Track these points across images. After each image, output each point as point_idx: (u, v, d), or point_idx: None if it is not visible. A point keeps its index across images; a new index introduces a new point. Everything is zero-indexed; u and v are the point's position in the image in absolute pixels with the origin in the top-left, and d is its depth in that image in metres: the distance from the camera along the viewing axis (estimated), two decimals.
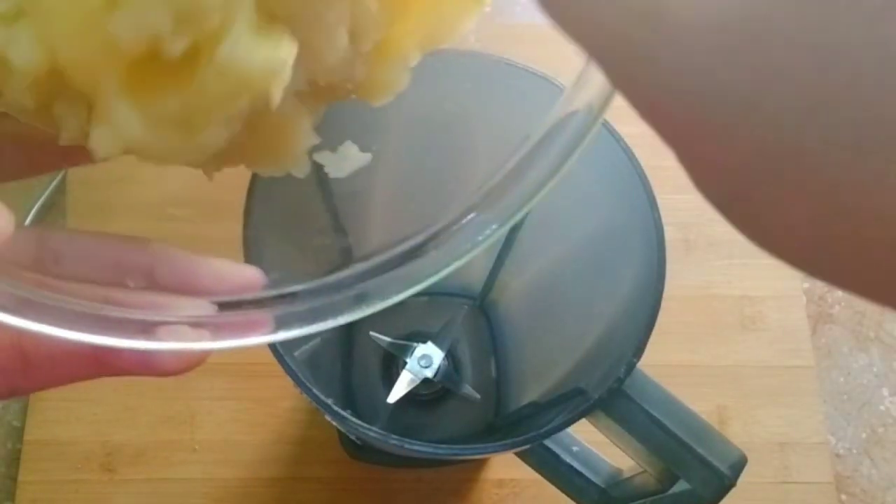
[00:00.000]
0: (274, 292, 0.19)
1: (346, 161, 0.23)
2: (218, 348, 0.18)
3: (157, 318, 0.18)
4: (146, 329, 0.17)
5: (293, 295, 0.19)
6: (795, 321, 0.51)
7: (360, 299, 0.19)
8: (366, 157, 0.23)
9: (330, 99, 0.20)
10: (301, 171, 0.20)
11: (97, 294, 0.18)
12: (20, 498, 0.45)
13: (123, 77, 0.16)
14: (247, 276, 0.21)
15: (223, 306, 0.19)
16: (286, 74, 0.16)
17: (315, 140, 0.20)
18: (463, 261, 0.19)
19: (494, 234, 0.19)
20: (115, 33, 0.15)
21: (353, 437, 0.43)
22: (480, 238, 0.19)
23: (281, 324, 0.18)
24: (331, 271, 0.19)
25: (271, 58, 0.16)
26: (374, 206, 0.41)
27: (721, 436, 0.31)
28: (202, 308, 0.19)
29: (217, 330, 0.18)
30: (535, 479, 0.35)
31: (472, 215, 0.19)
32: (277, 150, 0.20)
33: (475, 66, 0.35)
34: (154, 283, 0.20)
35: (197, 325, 0.18)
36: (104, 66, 0.16)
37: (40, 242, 0.19)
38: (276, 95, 0.16)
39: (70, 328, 0.16)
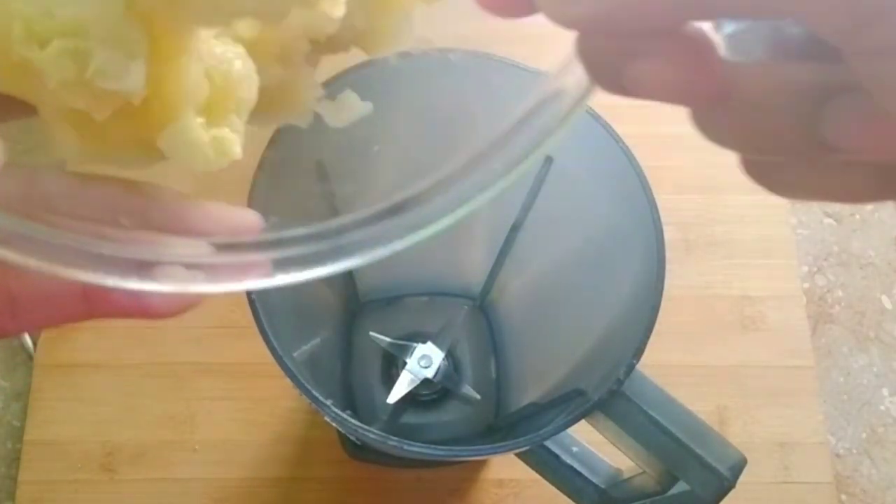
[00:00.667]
0: (272, 236, 0.19)
1: (344, 110, 0.23)
2: (214, 291, 0.17)
3: (151, 257, 0.17)
4: (140, 267, 0.17)
5: (292, 239, 0.19)
6: (795, 321, 0.51)
7: (358, 246, 0.19)
8: (367, 106, 0.23)
9: (330, 51, 0.20)
10: (305, 121, 0.20)
11: (89, 229, 0.17)
12: (20, 498, 0.45)
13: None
14: (244, 219, 0.20)
15: (220, 248, 0.18)
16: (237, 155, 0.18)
17: (320, 92, 0.20)
18: (457, 216, 0.18)
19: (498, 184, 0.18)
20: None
21: (352, 438, 0.43)
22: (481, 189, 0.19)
23: (279, 267, 0.18)
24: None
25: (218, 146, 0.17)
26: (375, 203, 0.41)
27: (720, 437, 0.31)
28: (198, 248, 0.18)
29: (213, 272, 0.18)
30: (535, 479, 0.35)
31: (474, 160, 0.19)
32: (282, 104, 0.20)
33: (476, 64, 0.35)
34: (148, 223, 0.19)
35: (192, 266, 0.17)
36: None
37: (29, 180, 0.18)
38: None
39: (61, 264, 0.16)
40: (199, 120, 0.18)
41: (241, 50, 0.19)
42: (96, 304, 0.18)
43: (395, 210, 0.18)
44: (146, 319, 0.18)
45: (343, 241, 0.18)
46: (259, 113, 0.20)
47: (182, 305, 0.18)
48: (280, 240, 0.19)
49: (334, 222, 0.18)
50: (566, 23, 0.15)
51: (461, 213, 0.18)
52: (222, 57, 0.18)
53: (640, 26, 0.14)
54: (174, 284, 0.17)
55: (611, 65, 0.15)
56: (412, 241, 0.18)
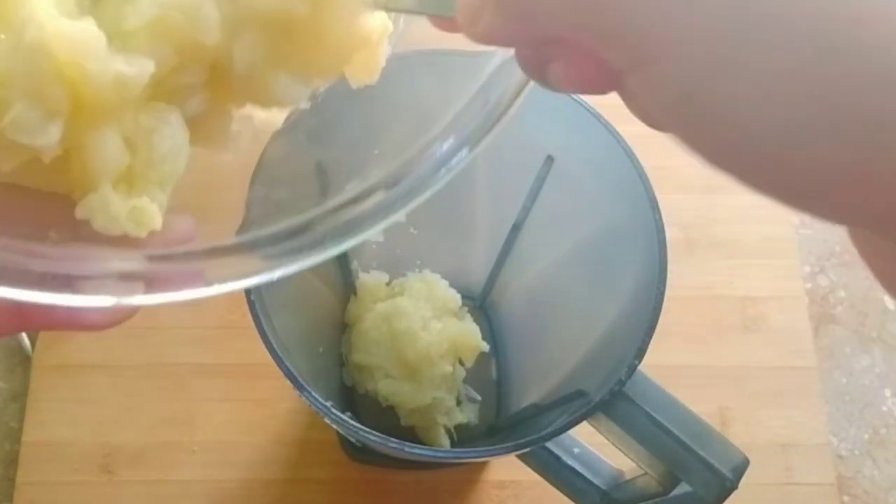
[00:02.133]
0: (206, 245, 0.19)
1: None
2: (148, 303, 0.17)
3: (82, 272, 0.17)
4: (71, 283, 0.17)
5: (225, 248, 0.19)
6: (798, 322, 0.50)
7: (321, 242, 0.19)
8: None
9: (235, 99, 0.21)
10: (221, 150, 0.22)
11: (18, 247, 0.17)
12: (18, 499, 0.45)
13: None
14: (178, 228, 0.20)
15: (154, 259, 0.18)
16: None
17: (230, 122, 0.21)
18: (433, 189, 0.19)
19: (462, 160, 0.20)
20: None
21: (353, 441, 0.42)
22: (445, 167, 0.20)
23: (215, 277, 0.18)
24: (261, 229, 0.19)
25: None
26: None
27: (723, 438, 0.31)
28: (131, 260, 0.18)
29: (148, 283, 0.18)
30: (536, 480, 0.35)
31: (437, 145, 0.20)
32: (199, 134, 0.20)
33: (472, 66, 0.35)
34: (79, 235, 0.19)
35: (126, 277, 0.17)
36: None
37: None
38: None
39: None
40: (118, 188, 0.18)
41: (175, 117, 0.19)
42: (30, 318, 0.17)
43: (353, 202, 0.19)
44: (84, 331, 0.18)
45: (279, 249, 0.18)
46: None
47: (117, 317, 0.18)
48: (213, 249, 0.19)
49: (266, 231, 0.19)
50: (475, 40, 0.18)
51: (417, 199, 0.19)
52: (150, 127, 0.18)
53: (513, 41, 0.18)
54: (110, 297, 0.17)
55: (536, 68, 0.18)
56: (368, 231, 0.19)
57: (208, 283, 0.18)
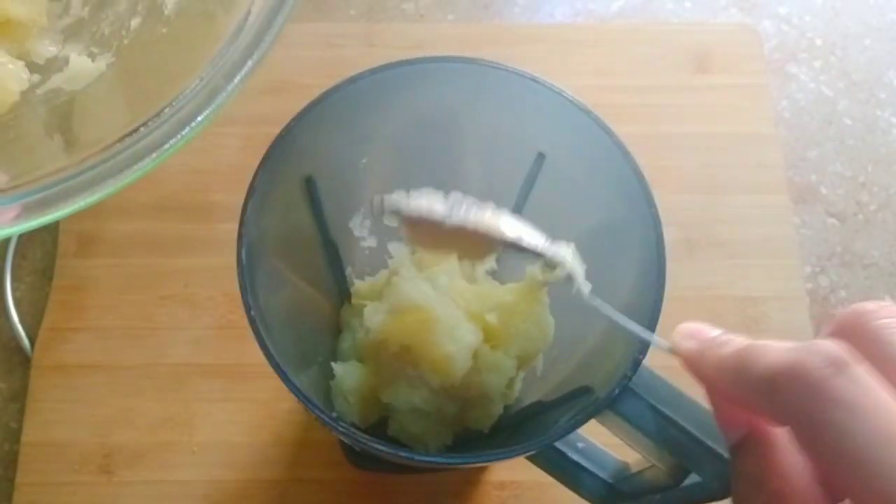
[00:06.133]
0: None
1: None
2: None
3: None
4: None
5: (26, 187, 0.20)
6: (798, 322, 0.50)
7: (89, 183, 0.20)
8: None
9: None
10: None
11: None
12: (17, 500, 0.45)
13: None
14: None
15: None
16: None
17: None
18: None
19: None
20: None
21: (357, 449, 0.42)
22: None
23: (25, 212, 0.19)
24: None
25: None
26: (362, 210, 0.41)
27: None
28: None
29: None
30: (537, 481, 0.35)
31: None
32: None
33: (466, 71, 0.35)
34: None
35: None
36: None
37: None
38: None
39: None
40: None
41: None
42: None
43: (120, 140, 0.20)
44: None
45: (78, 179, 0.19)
46: None
47: None
48: (11, 188, 0.20)
49: (65, 167, 0.20)
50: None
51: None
52: None
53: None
54: None
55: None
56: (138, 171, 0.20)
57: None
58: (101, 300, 0.50)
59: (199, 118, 0.21)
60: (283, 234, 0.36)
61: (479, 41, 0.57)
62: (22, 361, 0.49)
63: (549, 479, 0.36)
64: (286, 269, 0.36)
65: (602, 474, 0.34)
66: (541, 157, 0.38)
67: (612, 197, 0.35)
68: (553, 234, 0.39)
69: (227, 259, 0.32)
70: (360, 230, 0.41)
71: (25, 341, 0.49)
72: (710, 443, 0.29)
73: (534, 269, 0.36)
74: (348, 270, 0.41)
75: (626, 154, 0.33)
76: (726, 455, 0.28)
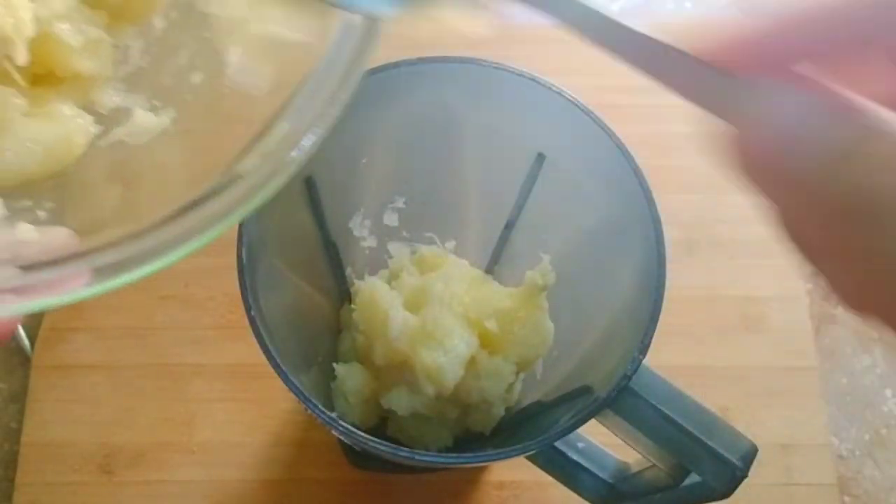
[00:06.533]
0: (73, 250, 0.19)
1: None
2: (27, 310, 0.18)
3: None
4: None
5: (97, 248, 0.19)
6: (799, 322, 0.50)
7: (167, 244, 0.19)
8: None
9: None
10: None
11: None
12: (17, 500, 0.45)
13: None
14: (55, 238, 0.20)
15: (26, 269, 0.19)
16: None
17: None
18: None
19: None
20: None
21: (357, 448, 0.42)
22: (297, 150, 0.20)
23: (98, 275, 0.19)
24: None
25: None
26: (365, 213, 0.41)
27: (731, 427, 0.31)
28: (4, 272, 0.18)
29: (24, 291, 0.18)
30: (536, 481, 0.35)
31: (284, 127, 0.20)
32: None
33: (466, 71, 0.35)
34: None
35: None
36: None
37: None
38: None
39: None
40: None
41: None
42: None
43: (193, 205, 0.19)
44: None
45: (151, 243, 0.19)
46: None
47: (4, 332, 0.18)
48: (81, 252, 0.19)
49: (139, 228, 0.19)
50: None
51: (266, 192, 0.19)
52: None
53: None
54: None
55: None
56: (215, 231, 0.19)
57: (91, 283, 0.18)
58: (101, 300, 0.49)
59: (272, 183, 0.20)
60: (283, 234, 0.36)
61: (479, 41, 0.57)
62: (22, 361, 0.49)
63: (549, 479, 0.36)
64: (286, 269, 0.36)
65: (602, 474, 0.34)
66: (541, 157, 0.38)
67: (613, 197, 0.35)
68: (553, 233, 0.40)
69: (227, 259, 0.32)
70: (360, 230, 0.41)
71: (25, 341, 0.49)
72: (709, 442, 0.29)
73: (533, 274, 0.36)
74: (348, 270, 0.41)
75: (626, 154, 0.33)
76: (726, 455, 0.28)
